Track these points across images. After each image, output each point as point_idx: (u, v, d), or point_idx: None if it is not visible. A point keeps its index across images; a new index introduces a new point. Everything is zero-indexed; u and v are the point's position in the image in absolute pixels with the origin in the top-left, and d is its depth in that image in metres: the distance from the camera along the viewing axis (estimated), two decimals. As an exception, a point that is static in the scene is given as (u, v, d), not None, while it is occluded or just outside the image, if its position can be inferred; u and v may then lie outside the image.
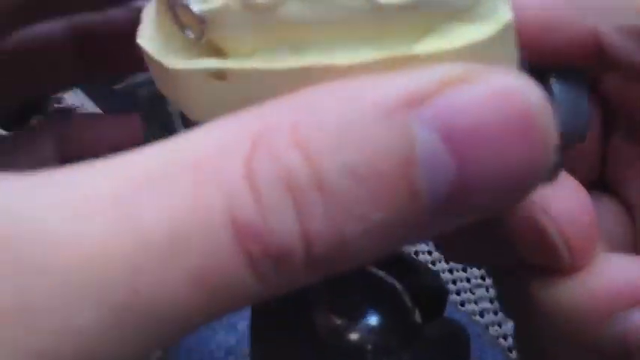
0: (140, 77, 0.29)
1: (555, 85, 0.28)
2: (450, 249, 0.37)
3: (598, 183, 0.35)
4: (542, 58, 0.28)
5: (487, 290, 0.68)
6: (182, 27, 0.24)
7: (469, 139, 0.19)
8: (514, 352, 0.59)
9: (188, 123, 0.29)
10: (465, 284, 0.68)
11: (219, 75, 0.23)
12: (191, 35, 0.24)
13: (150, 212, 0.19)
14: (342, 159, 0.19)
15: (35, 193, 0.19)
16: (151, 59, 0.26)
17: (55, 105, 0.75)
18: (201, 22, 0.23)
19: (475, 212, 0.21)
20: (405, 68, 0.21)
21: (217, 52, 0.24)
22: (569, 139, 0.27)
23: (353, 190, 0.19)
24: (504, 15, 0.21)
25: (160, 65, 0.25)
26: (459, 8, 0.21)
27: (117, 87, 0.28)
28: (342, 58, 0.21)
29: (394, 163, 0.19)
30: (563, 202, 0.28)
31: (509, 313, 0.37)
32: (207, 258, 0.19)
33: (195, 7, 0.23)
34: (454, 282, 0.68)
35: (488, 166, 0.19)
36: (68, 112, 0.66)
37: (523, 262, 0.31)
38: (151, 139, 0.27)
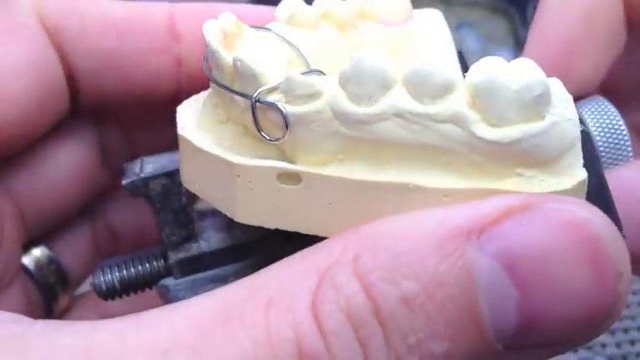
0: (148, 169, 0.29)
1: (586, 116, 0.28)
2: None
3: None
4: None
5: None
6: (258, 126, 0.23)
7: (532, 268, 0.19)
8: None
9: (202, 216, 0.30)
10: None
11: (293, 178, 0.23)
12: (267, 136, 0.23)
13: (227, 349, 0.19)
14: (397, 288, 0.19)
15: (124, 339, 0.20)
16: (199, 152, 0.25)
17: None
18: (286, 124, 0.22)
19: (546, 347, 0.20)
20: None
21: (278, 156, 0.24)
22: (616, 160, 0.27)
23: (409, 320, 0.19)
24: (581, 173, 0.22)
25: (214, 159, 0.25)
26: (544, 158, 0.22)
27: (125, 182, 0.29)
28: (427, 181, 0.22)
29: (452, 291, 0.19)
30: None
31: None
32: None
33: (284, 108, 0.22)
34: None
35: (554, 295, 0.19)
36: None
37: None
38: (165, 230, 0.28)
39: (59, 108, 0.32)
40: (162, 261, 0.29)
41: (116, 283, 0.29)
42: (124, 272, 0.29)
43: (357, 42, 0.30)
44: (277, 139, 0.23)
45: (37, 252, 0.34)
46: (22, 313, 0.32)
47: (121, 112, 0.34)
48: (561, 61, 0.29)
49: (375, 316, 0.19)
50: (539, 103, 0.21)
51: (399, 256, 0.20)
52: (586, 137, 0.23)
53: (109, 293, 0.29)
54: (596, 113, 0.27)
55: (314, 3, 0.31)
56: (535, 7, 0.82)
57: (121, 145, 0.35)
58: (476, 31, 0.80)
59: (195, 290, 0.28)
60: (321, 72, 0.25)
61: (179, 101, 0.30)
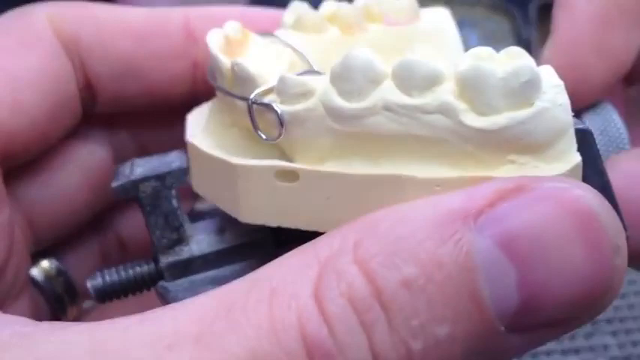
0: (138, 172, 0.29)
1: (585, 117, 0.28)
2: None
3: None
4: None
5: None
6: (255, 127, 0.24)
7: (529, 246, 0.19)
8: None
9: (193, 217, 0.30)
10: None
11: (290, 176, 0.23)
12: (263, 136, 0.24)
13: (231, 338, 0.20)
14: (398, 272, 0.20)
15: (128, 334, 0.20)
16: (205, 156, 0.26)
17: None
18: (281, 123, 0.23)
19: (549, 328, 0.20)
20: None
21: (280, 155, 0.24)
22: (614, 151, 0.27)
23: (411, 302, 0.19)
24: (575, 157, 0.22)
25: (219, 162, 0.25)
26: (535, 143, 0.22)
27: (114, 184, 0.29)
28: (419, 171, 0.22)
29: (451, 272, 0.19)
30: None
31: None
32: None
33: (279, 108, 0.23)
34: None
35: (553, 271, 0.20)
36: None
37: None
38: (156, 234, 0.29)
39: (72, 116, 0.32)
40: (152, 265, 0.29)
41: (109, 286, 0.29)
42: (117, 275, 0.29)
43: (363, 42, 0.30)
44: (274, 139, 0.23)
45: (46, 263, 0.34)
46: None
47: (136, 116, 0.35)
48: (593, 35, 0.29)
49: (377, 300, 0.20)
50: (527, 90, 0.21)
51: (398, 241, 0.20)
52: (588, 136, 0.24)
53: (104, 295, 0.30)
54: (591, 110, 0.27)
55: (320, 7, 0.31)
56: (536, 7, 0.82)
57: (132, 152, 0.36)
58: (477, 31, 0.80)
59: (195, 291, 0.28)
60: (318, 72, 0.25)
61: (194, 105, 0.31)
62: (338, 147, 0.23)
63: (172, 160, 0.29)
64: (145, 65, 0.33)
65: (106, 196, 0.35)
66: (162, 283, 0.28)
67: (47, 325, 0.21)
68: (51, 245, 0.34)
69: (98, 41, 0.32)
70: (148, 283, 0.29)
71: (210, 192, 0.27)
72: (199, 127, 0.28)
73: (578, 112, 0.26)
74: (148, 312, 0.21)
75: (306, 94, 0.23)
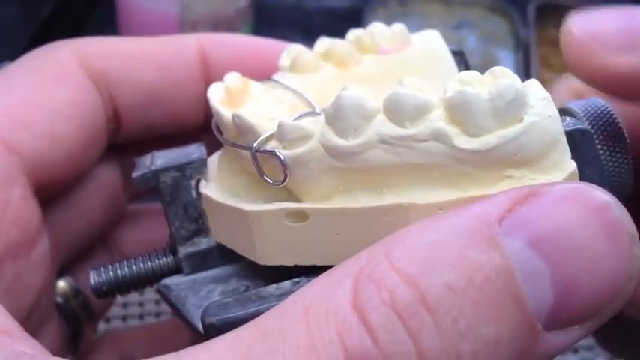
0: (158, 163, 0.29)
1: (581, 114, 0.28)
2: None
3: None
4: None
5: None
6: (261, 173, 0.25)
7: (557, 243, 0.20)
8: None
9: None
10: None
11: (300, 216, 0.24)
12: (270, 181, 0.25)
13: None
14: (440, 276, 0.20)
15: None
16: (219, 206, 0.27)
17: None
18: (285, 167, 0.24)
19: (580, 323, 0.21)
20: None
21: (289, 197, 0.25)
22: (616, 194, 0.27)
23: (457, 304, 0.20)
24: (569, 165, 0.23)
25: (231, 210, 0.26)
26: (529, 157, 0.23)
27: (135, 174, 0.29)
28: (422, 197, 0.23)
29: (491, 275, 0.20)
30: None
31: None
32: None
33: (281, 154, 0.24)
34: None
35: (581, 265, 0.20)
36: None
37: None
38: (175, 224, 0.29)
39: (101, 146, 0.33)
40: (170, 257, 0.30)
41: (120, 280, 0.29)
42: (127, 270, 0.30)
43: (359, 76, 0.31)
44: (280, 183, 0.25)
45: (63, 284, 0.35)
46: (60, 348, 0.32)
47: (155, 141, 0.35)
48: None
49: (422, 305, 0.20)
50: (513, 107, 0.22)
51: (431, 248, 0.20)
52: (587, 135, 0.24)
53: (110, 290, 0.30)
54: (589, 108, 0.27)
55: (315, 46, 0.32)
56: (535, 8, 0.82)
57: None
58: (475, 31, 0.81)
59: (196, 290, 0.28)
60: (317, 113, 0.26)
61: (209, 127, 0.31)
62: (342, 183, 0.24)
63: (192, 151, 0.30)
64: (166, 92, 0.34)
65: (118, 214, 0.36)
66: (164, 281, 0.29)
67: None
68: (68, 266, 0.35)
69: (124, 73, 0.33)
70: (163, 275, 0.29)
71: (228, 239, 0.28)
72: (211, 177, 0.29)
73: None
74: (183, 350, 0.21)
75: (305, 137, 0.24)
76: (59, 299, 0.34)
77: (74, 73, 0.32)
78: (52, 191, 0.31)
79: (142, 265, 0.30)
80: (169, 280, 0.29)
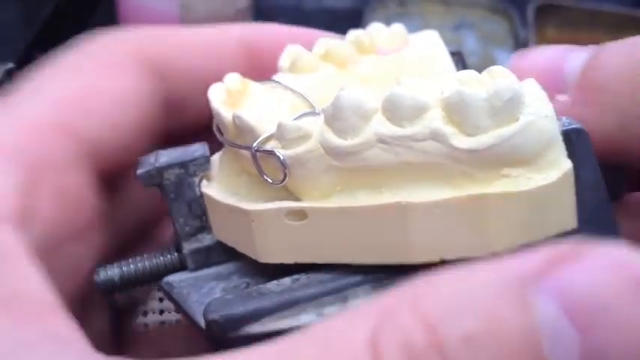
0: (162, 160, 0.29)
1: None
2: None
3: None
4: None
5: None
6: (261, 172, 0.26)
7: (590, 310, 0.20)
8: None
9: None
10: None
11: (300, 215, 0.25)
12: (270, 180, 0.25)
13: None
14: (460, 327, 0.20)
15: None
16: (220, 205, 0.28)
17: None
18: (285, 167, 0.25)
19: None
20: (475, 208, 0.22)
21: (289, 196, 0.26)
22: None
23: (473, 357, 0.19)
24: (565, 164, 0.23)
25: (233, 209, 0.27)
26: (526, 156, 0.23)
27: (139, 171, 0.29)
28: (419, 196, 0.23)
29: (515, 333, 0.19)
30: None
31: None
32: None
33: (280, 153, 0.25)
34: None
35: (614, 337, 0.20)
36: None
37: None
38: (179, 221, 0.29)
39: (157, 135, 0.33)
40: (175, 254, 0.30)
41: (125, 277, 0.30)
42: (133, 267, 0.30)
43: (358, 76, 0.32)
44: (280, 182, 0.25)
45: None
46: (103, 338, 0.33)
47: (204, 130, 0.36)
48: None
49: (437, 352, 0.20)
50: (510, 107, 0.22)
51: (460, 297, 0.20)
52: (582, 134, 0.24)
53: (116, 287, 0.30)
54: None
55: (314, 47, 0.33)
56: (534, 8, 0.82)
57: None
58: (475, 32, 0.81)
59: (198, 287, 0.28)
60: (316, 113, 0.27)
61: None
62: (340, 182, 0.24)
63: (195, 149, 0.30)
64: (215, 78, 0.34)
65: (163, 207, 0.36)
66: (166, 279, 0.29)
67: None
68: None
69: (177, 62, 0.33)
70: (169, 271, 0.30)
71: (229, 238, 0.28)
72: (212, 176, 0.30)
73: None
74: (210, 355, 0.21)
75: (304, 137, 0.24)
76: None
77: (130, 62, 0.32)
78: (110, 180, 0.32)
79: (147, 262, 0.30)
80: (172, 278, 0.29)
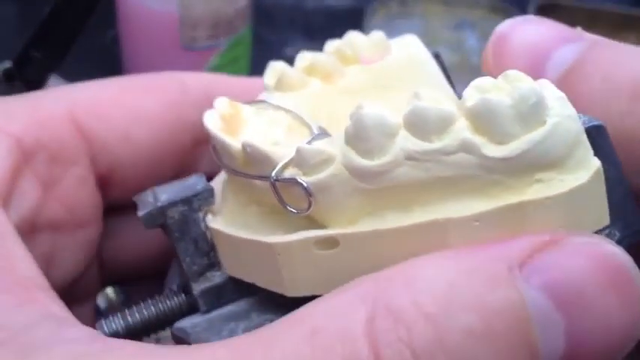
0: (163, 198, 0.28)
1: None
2: None
3: None
4: None
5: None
6: (283, 203, 0.24)
7: (574, 296, 0.21)
8: None
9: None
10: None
11: (330, 243, 0.24)
12: (294, 210, 0.24)
13: None
14: (458, 319, 0.20)
15: None
16: (235, 240, 0.26)
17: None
18: (310, 194, 0.23)
19: None
20: (514, 217, 0.22)
21: (309, 225, 0.25)
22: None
23: (474, 349, 0.20)
24: (594, 162, 0.23)
25: (249, 243, 0.25)
26: (556, 158, 0.22)
27: (141, 213, 0.28)
28: (454, 211, 0.22)
29: (509, 321, 0.20)
30: None
31: None
32: None
33: (303, 180, 0.23)
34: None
35: (593, 319, 0.21)
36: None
37: None
38: (186, 261, 0.28)
39: (178, 166, 0.33)
40: (182, 295, 0.28)
41: (132, 328, 0.28)
42: (138, 316, 0.28)
43: (346, 88, 0.31)
44: (305, 211, 0.24)
45: (111, 292, 0.34)
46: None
47: None
48: None
49: (440, 347, 0.20)
50: (537, 110, 0.22)
51: (452, 288, 0.20)
52: (602, 130, 0.24)
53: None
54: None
55: (296, 62, 0.32)
56: (535, 8, 0.82)
57: None
58: (476, 31, 0.81)
59: (216, 330, 0.27)
60: (324, 131, 0.26)
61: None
62: (368, 204, 0.23)
63: (195, 182, 0.29)
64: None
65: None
66: (177, 325, 0.27)
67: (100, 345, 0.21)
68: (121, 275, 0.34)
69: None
70: (178, 316, 0.28)
71: (246, 273, 0.27)
72: (216, 209, 0.28)
73: None
74: (188, 347, 0.21)
75: (327, 161, 0.23)
76: (102, 304, 0.33)
77: (168, 88, 0.32)
78: (119, 191, 0.31)
79: (152, 308, 0.28)
80: (184, 323, 0.27)
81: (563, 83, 0.24)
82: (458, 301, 0.20)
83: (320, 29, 0.80)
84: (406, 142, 0.22)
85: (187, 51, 0.72)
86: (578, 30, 0.28)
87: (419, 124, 0.22)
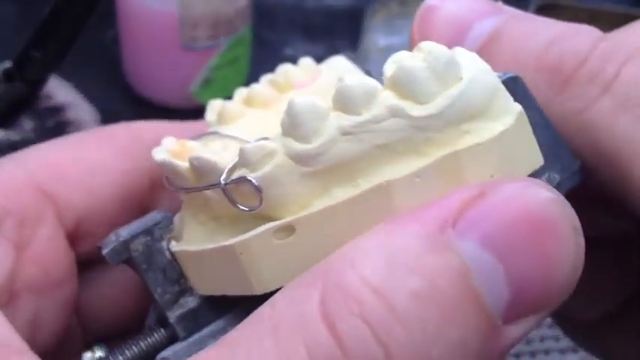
0: (124, 234, 0.28)
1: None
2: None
3: None
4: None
5: None
6: (235, 203, 0.25)
7: (503, 239, 0.22)
8: None
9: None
10: None
11: (287, 230, 0.24)
12: (246, 208, 0.25)
13: None
14: (405, 284, 0.21)
15: None
16: (198, 255, 0.27)
17: (45, 104, 0.75)
18: (259, 189, 0.24)
19: (534, 314, 0.22)
20: (451, 168, 0.23)
21: (264, 222, 0.25)
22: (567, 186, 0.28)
23: (424, 311, 0.21)
24: (515, 107, 0.25)
25: (213, 252, 0.26)
26: (478, 108, 0.24)
27: (105, 251, 0.28)
28: (395, 173, 0.24)
29: (450, 278, 0.21)
30: None
31: None
32: None
33: (251, 177, 0.24)
34: None
35: (530, 260, 0.22)
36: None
37: None
38: (157, 291, 0.28)
39: (139, 213, 0.33)
40: (161, 329, 0.28)
41: None
42: (121, 358, 0.28)
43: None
44: (257, 206, 0.24)
45: (97, 352, 0.34)
46: None
47: None
48: None
49: (392, 314, 0.20)
50: (451, 68, 0.24)
51: (392, 256, 0.21)
52: (518, 81, 0.26)
53: None
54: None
55: (234, 96, 0.34)
56: (534, 8, 0.82)
57: None
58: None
59: (196, 351, 0.26)
60: (266, 138, 0.26)
61: None
62: (316, 187, 0.24)
63: (154, 215, 0.29)
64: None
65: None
66: (160, 355, 0.28)
67: None
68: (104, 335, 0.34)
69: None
70: (159, 351, 0.28)
71: (216, 286, 0.27)
72: (178, 235, 0.29)
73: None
74: None
75: (269, 154, 0.24)
76: None
77: (122, 138, 0.33)
78: (89, 245, 0.32)
79: (134, 348, 0.28)
80: (166, 353, 0.28)
81: (480, 55, 0.25)
82: (399, 268, 0.21)
83: (320, 29, 0.80)
84: (339, 119, 0.24)
85: (187, 51, 0.72)
86: (499, 4, 0.30)
87: (347, 100, 0.24)
